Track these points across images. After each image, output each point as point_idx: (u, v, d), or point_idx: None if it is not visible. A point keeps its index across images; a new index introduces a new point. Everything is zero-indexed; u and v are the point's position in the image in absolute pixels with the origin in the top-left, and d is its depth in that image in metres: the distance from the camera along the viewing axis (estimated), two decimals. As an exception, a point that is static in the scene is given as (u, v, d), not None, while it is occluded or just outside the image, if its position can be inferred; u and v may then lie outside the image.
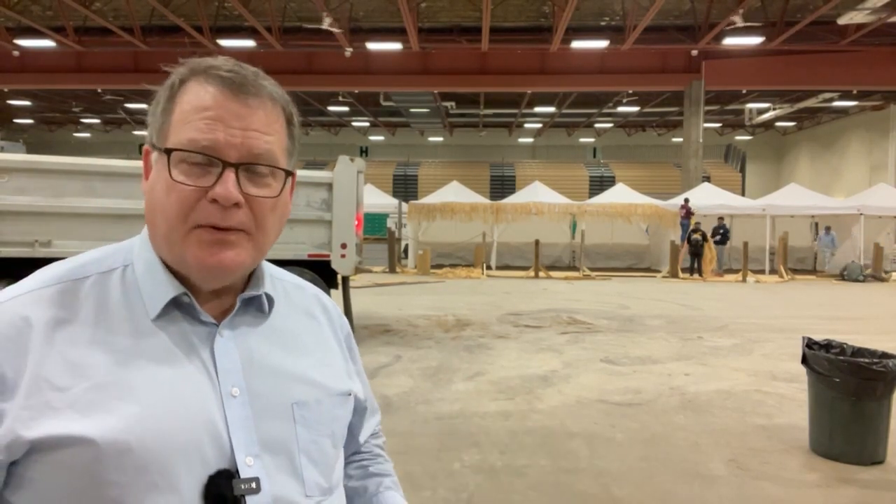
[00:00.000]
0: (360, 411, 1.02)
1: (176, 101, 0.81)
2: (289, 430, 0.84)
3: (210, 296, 0.86)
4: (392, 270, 18.45)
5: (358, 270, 8.47)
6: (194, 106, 0.80)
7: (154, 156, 0.83)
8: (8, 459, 0.73)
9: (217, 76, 0.81)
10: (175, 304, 0.83)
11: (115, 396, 0.75)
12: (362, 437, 1.07)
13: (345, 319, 1.05)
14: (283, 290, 0.96)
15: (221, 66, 0.82)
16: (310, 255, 8.04)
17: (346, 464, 1.04)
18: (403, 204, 21.31)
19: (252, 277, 0.90)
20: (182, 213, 0.79)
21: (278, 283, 0.96)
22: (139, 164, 0.88)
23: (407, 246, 20.82)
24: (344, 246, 7.88)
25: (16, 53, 20.85)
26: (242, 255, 0.82)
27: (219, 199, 0.78)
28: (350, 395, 0.95)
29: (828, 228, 19.49)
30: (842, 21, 16.38)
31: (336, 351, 0.98)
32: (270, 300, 0.90)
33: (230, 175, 0.79)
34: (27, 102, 30.85)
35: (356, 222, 7.97)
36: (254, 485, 0.78)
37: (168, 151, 0.79)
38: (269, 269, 0.95)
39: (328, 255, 8.00)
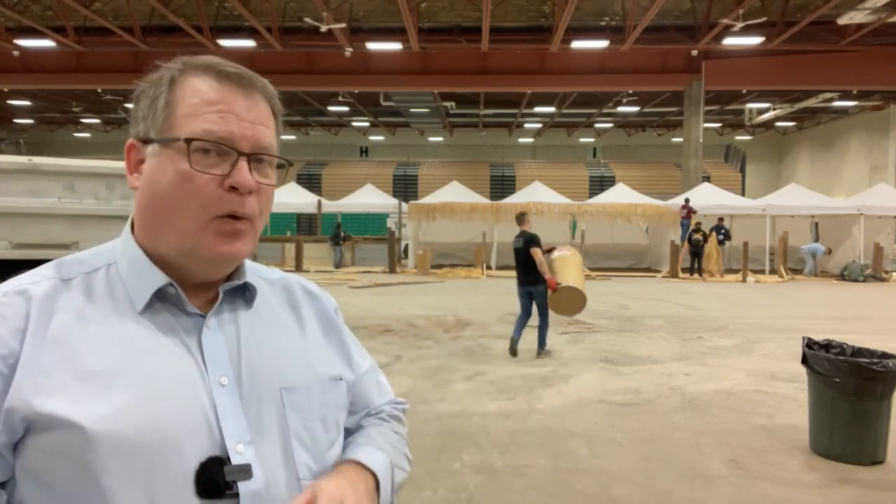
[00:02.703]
0: (356, 392, 1.00)
1: (177, 95, 0.84)
2: (279, 416, 0.85)
3: (195, 288, 0.87)
4: (392, 270, 18.45)
5: None
6: (203, 100, 0.83)
7: (151, 149, 0.84)
8: (11, 439, 0.74)
9: (220, 72, 0.85)
10: (161, 298, 0.84)
11: (104, 385, 0.76)
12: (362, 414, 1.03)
13: (332, 299, 1.06)
14: (264, 279, 0.98)
15: (220, 62, 0.86)
16: None
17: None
18: (403, 204, 21.31)
19: (234, 269, 0.92)
20: (203, 203, 0.81)
21: (256, 274, 0.97)
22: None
23: (407, 246, 20.82)
24: None
25: (16, 53, 20.82)
26: (248, 244, 0.86)
27: (239, 186, 0.82)
28: (341, 379, 0.96)
29: (816, 234, 19.29)
30: (842, 21, 16.38)
31: (323, 336, 0.99)
32: (253, 289, 0.92)
33: (244, 164, 0.83)
34: (27, 102, 30.83)
35: None
36: (245, 471, 0.79)
37: (188, 141, 0.81)
38: (248, 263, 0.96)
39: None
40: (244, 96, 0.84)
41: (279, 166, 0.90)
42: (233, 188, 0.82)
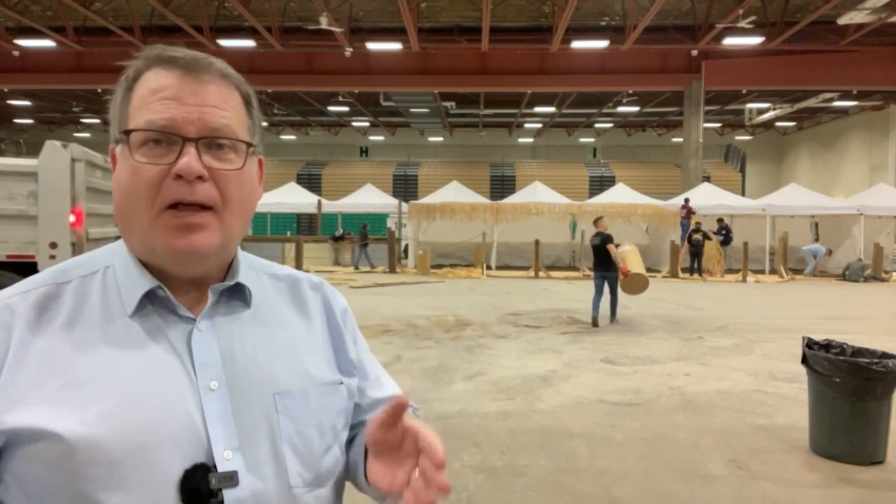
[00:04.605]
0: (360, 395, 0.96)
1: (133, 92, 0.82)
2: (271, 422, 0.83)
3: (187, 288, 0.85)
4: (392, 270, 18.45)
5: None
6: (150, 90, 0.81)
7: (118, 149, 0.83)
8: None
9: (168, 58, 0.82)
10: (152, 299, 0.82)
11: (88, 392, 0.75)
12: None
13: (341, 300, 1.02)
14: (265, 278, 0.95)
15: (168, 50, 0.83)
16: (9, 256, 7.34)
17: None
18: (403, 204, 21.30)
19: (229, 268, 0.89)
20: (149, 195, 0.78)
21: (260, 272, 0.95)
22: None
23: (407, 246, 20.82)
24: (53, 245, 7.21)
25: (16, 53, 20.82)
26: (212, 237, 0.81)
27: (182, 172, 0.78)
28: (340, 383, 0.92)
29: (816, 234, 19.25)
30: (842, 21, 16.37)
31: (327, 338, 0.95)
32: (249, 290, 0.89)
33: (190, 149, 0.79)
34: (27, 102, 30.83)
35: (73, 218, 7.26)
36: (231, 478, 0.77)
37: (127, 133, 0.80)
38: (248, 259, 0.94)
39: (34, 256, 7.31)
40: (191, 80, 0.81)
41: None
42: (179, 176, 0.78)
